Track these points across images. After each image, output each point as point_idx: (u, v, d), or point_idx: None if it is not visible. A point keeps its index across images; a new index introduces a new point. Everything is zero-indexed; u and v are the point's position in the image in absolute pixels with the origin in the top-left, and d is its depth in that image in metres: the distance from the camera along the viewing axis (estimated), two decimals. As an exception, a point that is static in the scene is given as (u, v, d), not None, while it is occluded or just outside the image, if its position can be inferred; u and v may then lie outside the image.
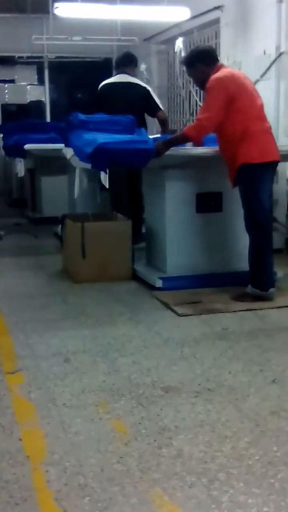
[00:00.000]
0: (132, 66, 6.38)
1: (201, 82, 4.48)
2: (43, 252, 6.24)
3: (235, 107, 4.29)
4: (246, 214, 4.39)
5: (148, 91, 6.31)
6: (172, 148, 4.52)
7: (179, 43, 8.58)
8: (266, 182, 4.36)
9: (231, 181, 4.44)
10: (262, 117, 4.40)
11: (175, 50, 8.74)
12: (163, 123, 6.32)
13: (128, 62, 6.35)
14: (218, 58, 4.59)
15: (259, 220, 4.36)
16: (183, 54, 8.57)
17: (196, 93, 8.65)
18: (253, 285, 4.41)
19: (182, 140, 4.55)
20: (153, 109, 6.26)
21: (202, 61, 4.47)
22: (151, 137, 5.08)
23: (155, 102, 6.27)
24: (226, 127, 4.36)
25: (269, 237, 4.42)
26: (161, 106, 6.37)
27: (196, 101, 8.52)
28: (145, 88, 6.33)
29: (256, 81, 6.19)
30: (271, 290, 4.41)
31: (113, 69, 6.33)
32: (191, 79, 4.72)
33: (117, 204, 5.84)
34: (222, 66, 4.54)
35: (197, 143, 4.53)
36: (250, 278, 4.43)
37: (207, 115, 4.29)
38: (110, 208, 5.84)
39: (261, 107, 4.42)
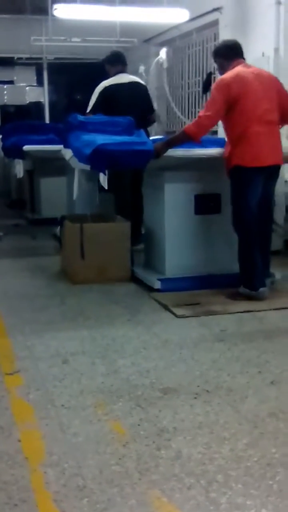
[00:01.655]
0: (126, 64, 6.36)
1: (221, 74, 4.57)
2: (42, 253, 6.24)
3: (237, 109, 4.32)
4: (233, 214, 4.49)
5: (147, 89, 6.34)
6: (171, 148, 4.53)
7: (162, 53, 8.60)
8: (256, 187, 4.39)
9: (227, 176, 4.50)
10: (265, 120, 4.38)
11: (157, 58, 8.76)
12: (149, 123, 6.35)
13: (123, 60, 6.31)
14: (241, 54, 4.58)
15: (244, 222, 4.44)
16: (165, 65, 8.63)
17: (188, 96, 8.67)
18: (244, 285, 4.47)
19: (182, 138, 4.51)
20: (150, 109, 6.30)
21: (221, 55, 4.62)
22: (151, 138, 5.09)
23: (151, 101, 6.30)
24: (227, 127, 4.44)
25: (255, 238, 4.45)
26: (155, 107, 6.41)
27: (195, 102, 8.54)
28: (145, 86, 6.37)
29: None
30: (261, 289, 4.44)
31: (107, 67, 6.21)
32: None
33: (121, 207, 5.81)
34: (240, 63, 4.52)
35: (197, 141, 4.54)
36: (240, 278, 4.49)
37: (207, 113, 4.35)
38: (114, 210, 5.82)
39: (266, 110, 4.39)
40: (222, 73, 4.57)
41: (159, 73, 9.60)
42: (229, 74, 4.43)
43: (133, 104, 5.86)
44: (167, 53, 9.19)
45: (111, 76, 6.15)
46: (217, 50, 4.69)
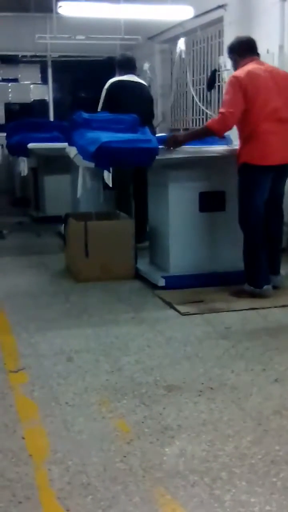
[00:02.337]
0: (136, 69, 6.48)
1: (235, 70, 4.57)
2: (46, 251, 6.25)
3: (248, 106, 4.31)
4: (239, 211, 4.48)
5: (150, 93, 6.41)
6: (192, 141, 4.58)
7: (180, 44, 8.57)
8: (263, 185, 4.39)
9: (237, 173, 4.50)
10: (276, 118, 4.36)
11: (177, 51, 8.74)
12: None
13: (134, 65, 6.42)
14: (255, 51, 4.58)
15: (251, 219, 4.44)
16: (183, 55, 8.59)
17: (197, 92, 8.66)
18: (249, 282, 4.47)
19: (204, 133, 4.55)
20: (152, 113, 6.40)
21: (234, 51, 4.60)
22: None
23: (152, 105, 6.37)
24: (238, 124, 4.42)
25: (261, 236, 4.45)
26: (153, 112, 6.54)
27: (198, 100, 8.53)
28: (148, 89, 6.43)
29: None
30: (266, 287, 4.44)
31: (118, 69, 6.31)
32: None
33: (122, 203, 5.85)
34: (253, 59, 4.51)
35: (220, 137, 4.55)
36: (245, 275, 4.49)
37: (230, 110, 4.31)
38: (115, 206, 5.85)
39: (278, 108, 4.36)
40: (235, 69, 4.57)
41: (169, 68, 9.60)
42: (240, 71, 4.41)
43: (137, 104, 5.88)
44: (171, 52, 9.18)
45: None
46: (231, 46, 4.67)
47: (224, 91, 4.52)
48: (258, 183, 4.37)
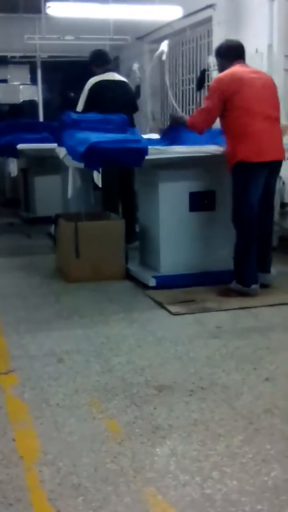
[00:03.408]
0: (111, 62, 6.42)
1: (220, 72, 4.63)
2: (37, 252, 6.23)
3: (234, 106, 4.35)
4: (233, 210, 4.49)
5: (132, 88, 6.38)
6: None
7: (163, 46, 8.56)
8: (258, 183, 4.41)
9: (229, 172, 4.50)
10: (265, 116, 4.41)
11: (158, 51, 8.72)
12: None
13: (108, 59, 6.38)
14: (242, 57, 4.64)
15: (245, 218, 4.44)
16: (164, 57, 8.59)
17: (182, 93, 8.66)
18: (237, 280, 4.47)
19: (186, 125, 4.66)
20: (135, 107, 6.34)
21: (222, 55, 4.66)
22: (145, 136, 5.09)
23: (136, 102, 6.34)
24: (228, 123, 4.44)
25: (254, 235, 4.46)
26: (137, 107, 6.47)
27: (174, 101, 8.54)
28: (130, 86, 6.41)
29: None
30: (253, 286, 4.45)
31: (94, 67, 6.25)
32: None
33: (108, 203, 5.85)
34: (238, 63, 4.56)
35: (197, 133, 4.62)
36: (234, 273, 4.49)
37: (204, 109, 4.49)
38: (101, 206, 5.84)
39: (266, 106, 4.44)
40: (220, 71, 4.61)
41: (160, 66, 9.57)
42: (224, 73, 4.51)
43: (121, 102, 5.88)
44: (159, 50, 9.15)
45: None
46: (219, 50, 4.72)
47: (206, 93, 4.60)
48: (254, 180, 4.38)
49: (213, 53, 4.86)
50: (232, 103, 4.37)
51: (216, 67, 4.94)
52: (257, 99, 4.41)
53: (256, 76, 4.51)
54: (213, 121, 4.53)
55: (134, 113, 6.33)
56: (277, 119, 4.54)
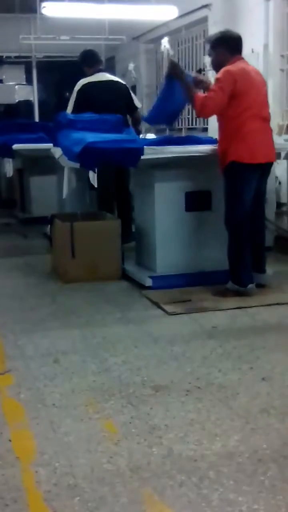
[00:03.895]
0: (102, 62, 6.37)
1: (218, 65, 4.43)
2: (33, 252, 6.22)
3: (235, 103, 4.29)
4: (226, 210, 4.46)
5: (128, 88, 6.31)
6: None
7: (165, 43, 8.57)
8: (252, 183, 4.40)
9: (220, 173, 4.48)
10: (260, 117, 4.39)
11: (162, 50, 8.73)
12: (136, 123, 6.25)
13: (99, 59, 6.33)
14: (241, 51, 4.51)
15: (237, 218, 4.43)
16: (170, 53, 8.58)
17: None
18: (233, 281, 4.47)
19: (190, 98, 4.43)
20: (132, 108, 6.24)
21: (227, 47, 4.42)
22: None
23: (133, 100, 6.26)
24: (224, 121, 4.40)
25: (246, 234, 4.46)
26: (138, 105, 6.33)
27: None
28: (125, 85, 6.34)
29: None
30: (250, 286, 4.45)
31: (85, 68, 6.21)
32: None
33: (104, 203, 5.84)
34: (240, 59, 4.46)
35: (204, 115, 4.52)
36: (229, 274, 4.49)
37: (213, 97, 4.26)
38: (97, 207, 5.84)
39: (262, 107, 4.41)
40: (218, 64, 4.42)
41: (155, 68, 9.58)
42: (235, 67, 4.33)
43: (111, 103, 5.81)
44: (156, 51, 9.18)
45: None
46: (223, 39, 4.46)
47: (214, 80, 4.36)
48: (246, 181, 4.37)
49: (212, 42, 4.50)
50: (235, 101, 4.27)
51: (211, 68, 4.77)
52: (257, 100, 4.39)
53: (257, 76, 4.48)
54: (222, 110, 4.30)
55: (133, 113, 6.25)
56: (269, 119, 4.53)
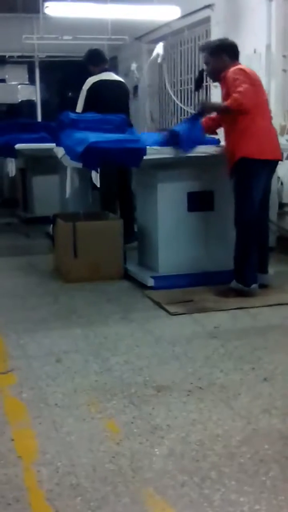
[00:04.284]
0: (107, 61, 6.44)
1: (218, 72, 4.48)
2: (35, 252, 6.23)
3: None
4: (236, 209, 4.47)
5: (128, 89, 6.40)
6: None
7: (159, 49, 8.57)
8: (261, 180, 4.40)
9: (228, 173, 4.47)
10: (268, 115, 4.48)
11: (153, 54, 8.73)
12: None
13: (105, 58, 6.40)
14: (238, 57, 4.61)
15: (246, 216, 4.42)
16: (159, 60, 8.60)
17: (185, 93, 8.66)
18: (237, 280, 4.47)
19: (224, 110, 4.44)
20: (128, 108, 6.33)
21: (228, 53, 4.50)
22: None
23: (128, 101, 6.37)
24: (232, 118, 4.40)
25: (255, 234, 4.46)
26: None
27: (179, 101, 8.55)
28: (126, 86, 6.43)
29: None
30: (253, 286, 4.45)
31: (91, 67, 6.24)
32: (205, 67, 4.68)
33: (106, 203, 5.85)
34: (239, 64, 4.52)
35: (241, 112, 4.32)
36: (234, 273, 4.49)
37: (248, 88, 4.23)
38: (100, 207, 5.84)
39: (267, 105, 4.52)
40: (217, 71, 4.48)
41: (157, 68, 9.58)
42: (244, 67, 4.43)
43: (119, 102, 5.89)
44: (154, 52, 9.18)
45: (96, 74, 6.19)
46: (223, 45, 4.56)
47: (231, 81, 4.31)
48: (257, 177, 4.36)
49: (213, 49, 4.55)
50: None
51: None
52: (264, 99, 4.49)
53: (258, 77, 4.55)
54: (250, 101, 4.21)
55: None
56: (271, 118, 4.59)
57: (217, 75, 4.49)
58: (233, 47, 4.59)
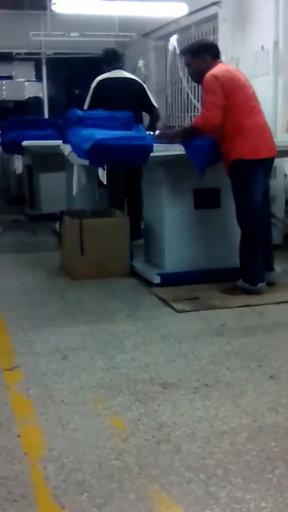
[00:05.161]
0: (121, 60, 6.48)
1: (201, 73, 4.47)
2: (42, 249, 6.24)
3: (230, 103, 4.31)
4: (237, 209, 4.46)
5: (145, 87, 6.33)
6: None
7: (173, 41, 8.57)
8: (259, 178, 4.39)
9: (227, 174, 4.47)
10: (257, 112, 4.43)
11: (169, 47, 8.72)
12: (155, 121, 6.35)
13: (119, 57, 6.42)
14: (220, 56, 4.64)
15: (250, 215, 4.41)
16: (177, 51, 8.58)
17: (192, 89, 8.65)
18: (243, 279, 4.46)
19: (191, 131, 4.51)
20: (150, 106, 6.28)
21: (210, 53, 4.52)
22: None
23: (151, 99, 6.29)
24: (223, 122, 4.36)
25: (260, 232, 4.45)
26: (155, 104, 6.39)
27: (193, 97, 8.52)
28: (142, 84, 6.36)
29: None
30: (260, 284, 4.44)
31: (104, 65, 6.26)
32: (187, 70, 4.73)
33: (113, 200, 5.85)
34: (220, 62, 4.58)
35: (206, 135, 4.46)
36: (240, 272, 4.48)
37: (211, 109, 4.30)
38: (107, 204, 5.84)
39: (256, 102, 4.45)
40: (201, 72, 4.46)
41: (164, 65, 9.57)
42: (219, 70, 4.40)
43: (123, 100, 5.84)
44: (166, 48, 9.17)
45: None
46: (208, 48, 4.59)
47: (203, 91, 4.45)
48: (253, 177, 4.36)
49: (192, 51, 4.57)
50: (228, 102, 4.29)
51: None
52: (249, 95, 4.42)
53: (240, 73, 4.54)
54: (218, 121, 4.30)
55: (153, 111, 6.31)
56: (263, 113, 4.52)
57: (201, 76, 4.46)
58: (214, 46, 4.70)
